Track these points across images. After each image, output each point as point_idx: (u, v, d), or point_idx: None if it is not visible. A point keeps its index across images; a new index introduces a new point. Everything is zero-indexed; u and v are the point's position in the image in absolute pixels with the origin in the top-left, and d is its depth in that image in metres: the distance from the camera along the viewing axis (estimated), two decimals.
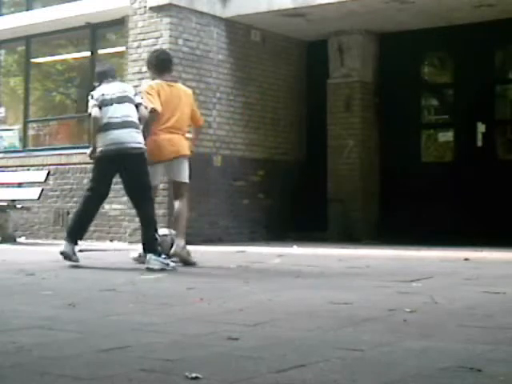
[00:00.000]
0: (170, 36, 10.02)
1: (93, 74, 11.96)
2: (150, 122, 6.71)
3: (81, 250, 7.74)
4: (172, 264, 6.20)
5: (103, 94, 6.50)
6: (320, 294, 4.36)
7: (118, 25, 11.53)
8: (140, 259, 6.67)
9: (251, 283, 4.98)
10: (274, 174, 11.45)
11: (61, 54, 13.19)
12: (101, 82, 6.69)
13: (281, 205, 11.43)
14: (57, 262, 6.78)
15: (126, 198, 10.47)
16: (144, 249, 6.35)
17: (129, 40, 10.49)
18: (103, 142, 6.44)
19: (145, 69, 10.15)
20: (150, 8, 10.16)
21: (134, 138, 6.41)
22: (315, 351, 2.64)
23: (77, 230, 6.56)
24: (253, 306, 3.84)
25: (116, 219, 11.10)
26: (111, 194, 11.15)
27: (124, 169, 6.45)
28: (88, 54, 12.17)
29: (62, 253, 6.43)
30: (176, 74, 10.07)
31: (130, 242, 10.05)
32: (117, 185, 11.14)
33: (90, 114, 6.50)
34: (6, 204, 10.91)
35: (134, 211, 9.98)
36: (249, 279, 5.22)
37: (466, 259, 7.17)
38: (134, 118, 6.50)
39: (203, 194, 10.34)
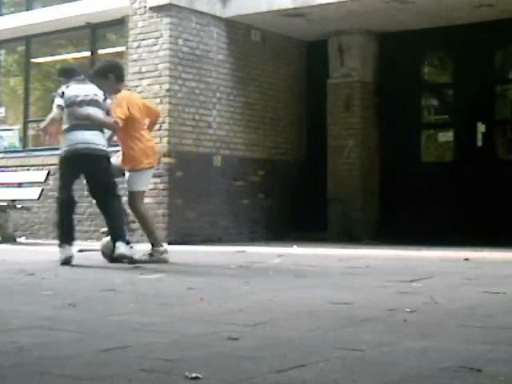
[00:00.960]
0: (170, 36, 10.02)
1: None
2: (128, 129, 6.87)
3: (81, 250, 7.76)
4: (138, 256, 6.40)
5: (76, 95, 6.58)
6: (320, 294, 4.36)
7: (118, 25, 11.54)
8: (147, 257, 6.78)
9: (251, 283, 4.98)
10: (274, 174, 11.45)
11: (61, 54, 13.20)
12: (69, 79, 6.77)
13: (281, 205, 11.43)
14: (57, 262, 6.79)
15: (126, 199, 10.51)
16: (112, 237, 6.44)
17: (129, 40, 10.49)
18: (69, 141, 6.51)
19: (145, 68, 10.21)
20: (150, 8, 10.17)
21: (98, 140, 6.54)
22: (315, 351, 2.64)
23: (66, 235, 6.57)
24: (253, 306, 3.84)
25: None
26: None
27: (88, 169, 6.55)
28: (88, 54, 12.17)
29: (65, 258, 6.49)
30: (176, 73, 10.11)
31: None
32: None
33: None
34: (6, 204, 10.91)
35: None
36: (249, 279, 5.21)
37: (466, 259, 7.17)
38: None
39: (203, 194, 10.35)
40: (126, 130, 6.85)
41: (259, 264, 6.68)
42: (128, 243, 6.43)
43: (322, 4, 10.05)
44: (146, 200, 9.94)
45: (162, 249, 6.91)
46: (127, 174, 7.03)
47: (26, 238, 11.63)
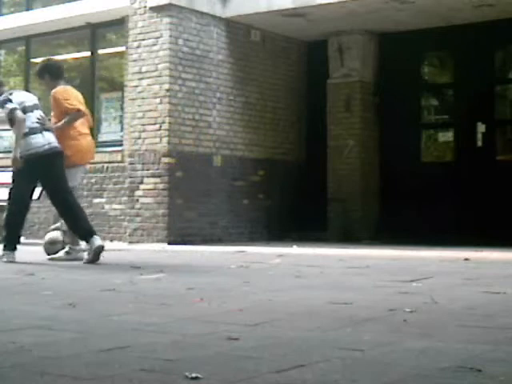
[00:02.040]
0: (170, 36, 10.02)
1: (93, 75, 12.01)
2: (72, 124, 7.21)
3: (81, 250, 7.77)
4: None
5: (23, 102, 6.96)
6: (320, 294, 4.36)
7: (117, 25, 11.54)
8: (70, 255, 7.03)
9: (251, 283, 4.98)
10: (274, 174, 11.45)
11: (61, 54, 13.18)
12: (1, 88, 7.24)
13: (281, 205, 11.43)
14: (57, 262, 6.80)
15: (125, 198, 10.53)
16: (83, 235, 6.74)
17: (129, 40, 10.49)
18: (33, 144, 6.77)
19: (145, 68, 10.21)
20: (150, 8, 10.16)
21: (55, 139, 6.91)
22: (315, 351, 2.64)
23: (13, 238, 6.87)
24: (253, 306, 3.84)
25: (116, 219, 11.11)
26: (111, 194, 11.27)
27: (52, 169, 6.82)
28: (88, 53, 12.18)
29: (10, 262, 6.73)
30: (176, 73, 10.11)
31: (130, 242, 10.06)
32: (117, 185, 11.22)
33: (11, 119, 6.85)
34: (6, 204, 10.89)
35: (134, 211, 10.10)
36: (249, 279, 5.22)
37: (466, 259, 7.17)
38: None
39: (203, 194, 10.35)
40: (60, 126, 7.19)
41: (259, 264, 6.68)
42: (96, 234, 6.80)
43: (322, 4, 10.05)
44: (147, 200, 10.00)
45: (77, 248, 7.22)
46: None
47: (26, 238, 11.61)
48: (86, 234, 6.67)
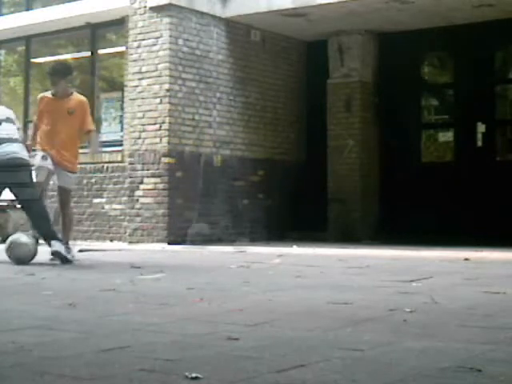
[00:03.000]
0: (170, 36, 10.01)
1: (93, 75, 12.01)
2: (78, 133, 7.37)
3: (81, 250, 7.78)
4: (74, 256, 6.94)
5: None
6: (320, 294, 4.36)
7: (117, 25, 11.54)
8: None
9: (251, 283, 4.98)
10: (274, 174, 11.45)
11: (61, 54, 13.19)
12: None
13: (281, 205, 11.43)
14: (57, 262, 6.80)
15: (125, 198, 10.53)
16: (46, 239, 6.87)
17: (129, 40, 10.49)
18: None
19: (145, 68, 10.20)
20: (150, 8, 10.16)
21: (24, 151, 6.98)
22: (315, 351, 2.64)
23: None
24: (253, 306, 3.85)
25: (116, 219, 11.11)
26: (111, 194, 11.27)
27: (17, 179, 6.86)
28: (88, 53, 12.18)
29: None
30: (176, 73, 10.11)
31: (130, 242, 10.06)
32: (117, 185, 11.22)
33: None
34: (6, 204, 10.91)
35: (134, 211, 10.11)
36: (249, 279, 5.22)
37: (466, 259, 7.17)
38: (18, 136, 7.09)
39: (203, 194, 10.34)
40: (77, 133, 7.35)
41: (259, 264, 6.68)
42: (62, 242, 6.90)
43: (322, 4, 10.05)
44: (147, 200, 10.00)
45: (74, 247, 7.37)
46: (66, 174, 7.33)
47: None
48: (50, 236, 6.84)
